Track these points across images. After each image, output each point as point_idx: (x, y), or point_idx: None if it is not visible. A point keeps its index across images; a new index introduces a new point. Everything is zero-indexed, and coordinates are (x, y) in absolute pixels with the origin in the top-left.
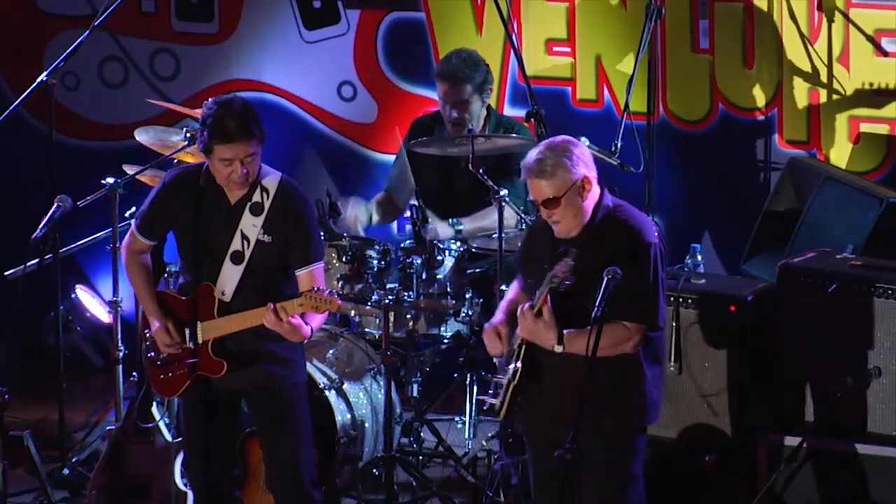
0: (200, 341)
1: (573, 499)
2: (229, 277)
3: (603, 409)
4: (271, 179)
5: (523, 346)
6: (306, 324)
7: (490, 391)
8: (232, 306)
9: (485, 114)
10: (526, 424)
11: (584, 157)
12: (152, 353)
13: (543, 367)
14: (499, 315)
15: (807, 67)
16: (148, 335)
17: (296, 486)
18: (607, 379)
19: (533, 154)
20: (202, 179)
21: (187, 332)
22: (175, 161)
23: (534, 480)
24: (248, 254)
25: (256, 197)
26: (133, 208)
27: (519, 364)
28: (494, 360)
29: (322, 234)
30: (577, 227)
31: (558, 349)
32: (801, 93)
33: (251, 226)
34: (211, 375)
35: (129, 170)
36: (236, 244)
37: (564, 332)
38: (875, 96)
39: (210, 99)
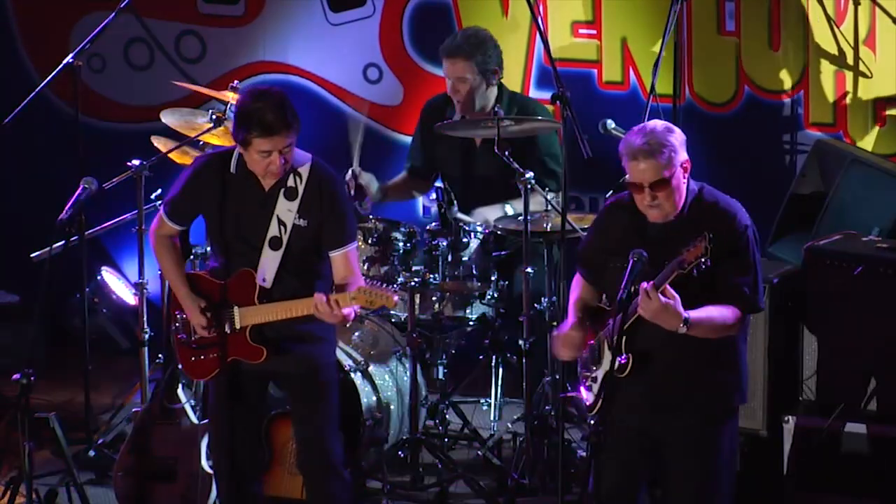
0: (238, 327)
1: (659, 481)
2: (269, 263)
3: (705, 390)
4: (304, 163)
5: (624, 339)
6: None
7: (585, 387)
8: (272, 292)
9: (495, 93)
10: (611, 414)
11: (682, 140)
12: (183, 336)
13: (645, 355)
14: (570, 318)
15: (833, 50)
16: (178, 316)
17: (327, 465)
18: (711, 360)
19: (636, 136)
20: (234, 166)
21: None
22: (200, 143)
23: (610, 468)
24: (285, 239)
25: (290, 182)
26: (159, 190)
27: (629, 357)
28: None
29: None
30: (674, 212)
31: (682, 330)
32: (827, 75)
33: (286, 211)
34: (249, 361)
35: (157, 141)
36: (273, 230)
37: (690, 313)
38: None
39: (245, 88)
